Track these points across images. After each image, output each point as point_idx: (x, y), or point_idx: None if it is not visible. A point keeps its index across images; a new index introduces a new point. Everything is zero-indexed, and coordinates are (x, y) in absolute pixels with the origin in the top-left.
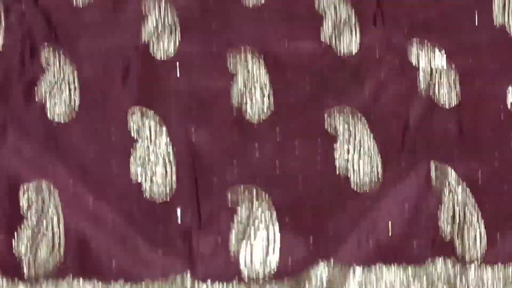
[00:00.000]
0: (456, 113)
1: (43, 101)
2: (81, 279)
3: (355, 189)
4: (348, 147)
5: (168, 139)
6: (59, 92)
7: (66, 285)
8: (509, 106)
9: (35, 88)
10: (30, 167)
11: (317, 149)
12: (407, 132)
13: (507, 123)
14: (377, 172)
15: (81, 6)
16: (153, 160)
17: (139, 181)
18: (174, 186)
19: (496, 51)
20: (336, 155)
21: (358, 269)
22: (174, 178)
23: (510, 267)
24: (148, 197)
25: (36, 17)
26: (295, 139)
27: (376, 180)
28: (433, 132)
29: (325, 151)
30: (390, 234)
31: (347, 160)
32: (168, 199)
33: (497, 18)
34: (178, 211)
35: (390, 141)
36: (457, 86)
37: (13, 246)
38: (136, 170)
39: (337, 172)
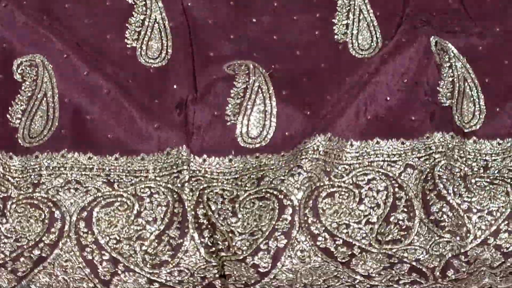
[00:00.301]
0: None
1: None
2: (76, 153)
3: (353, 54)
4: (348, 13)
5: (164, 13)
6: None
7: (61, 158)
8: None
9: None
10: (24, 40)
11: (315, 14)
12: (407, 4)
13: None
14: (376, 38)
15: None
16: (149, 30)
17: (134, 45)
18: (170, 52)
19: None
20: (335, 20)
21: (355, 142)
22: (170, 50)
23: (509, 141)
24: (143, 61)
25: None
26: (293, 6)
27: (375, 46)
28: (434, 2)
29: (323, 17)
30: (388, 107)
31: (346, 25)
32: (164, 64)
33: None
34: (175, 86)
35: (390, 12)
36: None
37: (8, 119)
38: (131, 34)
39: (336, 38)
